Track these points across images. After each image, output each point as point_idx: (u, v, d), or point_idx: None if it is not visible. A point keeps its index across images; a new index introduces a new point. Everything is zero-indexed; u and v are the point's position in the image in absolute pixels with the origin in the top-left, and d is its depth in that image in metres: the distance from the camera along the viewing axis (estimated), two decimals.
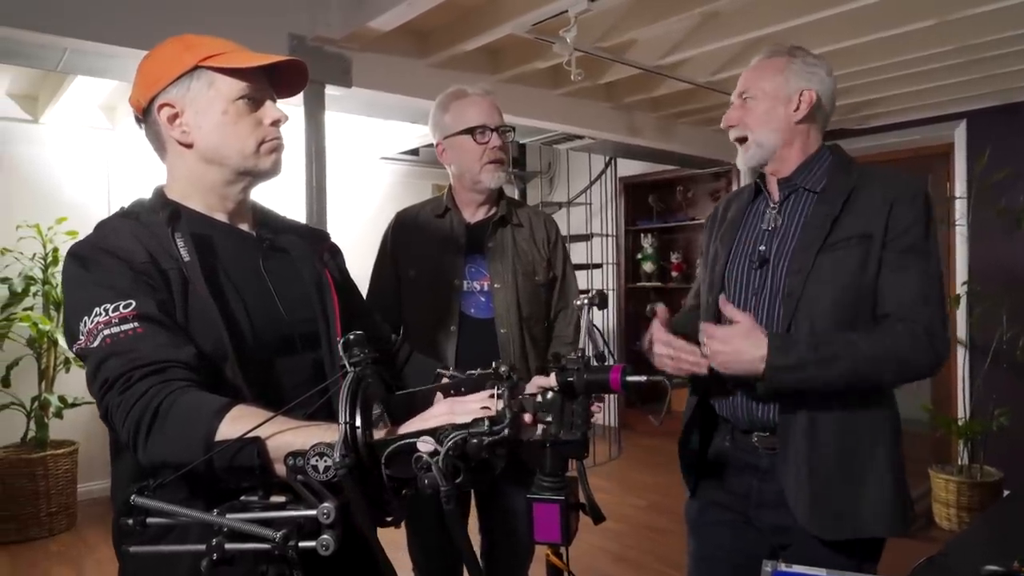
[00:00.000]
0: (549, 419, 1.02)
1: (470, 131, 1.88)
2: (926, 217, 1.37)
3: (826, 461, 1.35)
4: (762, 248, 1.47)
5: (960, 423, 3.79)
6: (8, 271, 3.80)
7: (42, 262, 3.85)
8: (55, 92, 3.68)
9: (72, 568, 3.36)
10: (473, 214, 1.97)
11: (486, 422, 0.75)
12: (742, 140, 1.50)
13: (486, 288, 1.91)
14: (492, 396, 0.82)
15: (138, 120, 1.13)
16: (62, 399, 3.74)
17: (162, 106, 1.07)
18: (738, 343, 1.30)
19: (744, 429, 1.46)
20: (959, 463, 3.74)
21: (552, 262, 2.01)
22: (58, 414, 3.75)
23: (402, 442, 0.76)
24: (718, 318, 1.50)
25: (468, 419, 0.78)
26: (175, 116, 1.07)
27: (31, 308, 3.78)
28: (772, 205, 1.51)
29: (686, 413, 1.58)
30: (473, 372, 1.23)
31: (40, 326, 3.67)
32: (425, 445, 0.74)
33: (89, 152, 4.26)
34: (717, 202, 1.76)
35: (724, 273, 1.53)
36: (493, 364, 0.89)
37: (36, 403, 3.78)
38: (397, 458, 0.76)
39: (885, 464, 1.37)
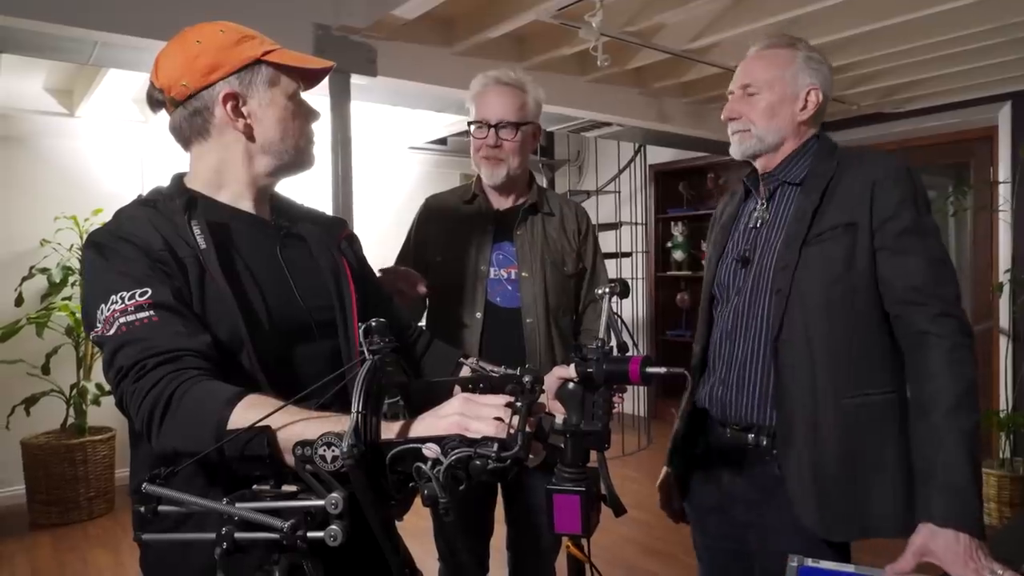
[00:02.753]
0: (562, 446, 1.00)
1: (471, 124, 1.87)
2: (914, 194, 1.32)
3: (831, 464, 1.32)
4: (746, 247, 1.46)
5: (1002, 415, 3.68)
6: (47, 262, 3.89)
7: (79, 252, 3.94)
8: (89, 86, 3.74)
9: (110, 551, 3.45)
10: (501, 201, 1.93)
11: (495, 445, 0.72)
12: (741, 131, 1.45)
13: (513, 276, 1.87)
14: (508, 405, 0.79)
15: (160, 102, 1.12)
16: (99, 386, 3.84)
17: (227, 95, 1.07)
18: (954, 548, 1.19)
19: (735, 426, 1.45)
20: (1000, 456, 3.64)
21: (582, 254, 1.97)
22: (96, 401, 3.85)
23: (408, 446, 0.75)
24: (710, 324, 1.51)
25: (479, 429, 0.76)
26: (237, 103, 1.08)
27: (69, 298, 3.87)
28: (760, 202, 1.48)
29: (683, 407, 1.59)
30: (497, 370, 1.21)
31: (78, 315, 3.76)
32: (429, 453, 0.73)
33: (123, 144, 4.34)
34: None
35: (714, 277, 1.52)
36: (519, 370, 0.86)
37: (75, 390, 3.88)
38: (402, 461, 0.75)
39: (895, 464, 1.32)
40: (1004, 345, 3.89)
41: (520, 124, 1.83)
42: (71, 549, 3.48)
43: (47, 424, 3.90)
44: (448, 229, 1.92)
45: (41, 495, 3.75)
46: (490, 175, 1.86)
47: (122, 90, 3.93)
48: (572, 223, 1.96)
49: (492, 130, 1.82)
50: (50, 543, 3.55)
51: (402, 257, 2.02)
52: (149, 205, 1.07)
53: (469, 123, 1.87)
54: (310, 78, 1.17)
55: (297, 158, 1.14)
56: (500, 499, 1.99)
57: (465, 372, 1.31)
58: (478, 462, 0.71)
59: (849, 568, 1.12)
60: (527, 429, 0.75)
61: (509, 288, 1.87)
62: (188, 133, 1.12)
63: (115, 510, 3.94)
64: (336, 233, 1.26)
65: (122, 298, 0.93)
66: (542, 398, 0.95)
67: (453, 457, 0.71)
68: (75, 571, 3.24)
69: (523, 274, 1.86)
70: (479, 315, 1.84)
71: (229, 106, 1.07)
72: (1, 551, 3.46)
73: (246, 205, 1.14)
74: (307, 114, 1.15)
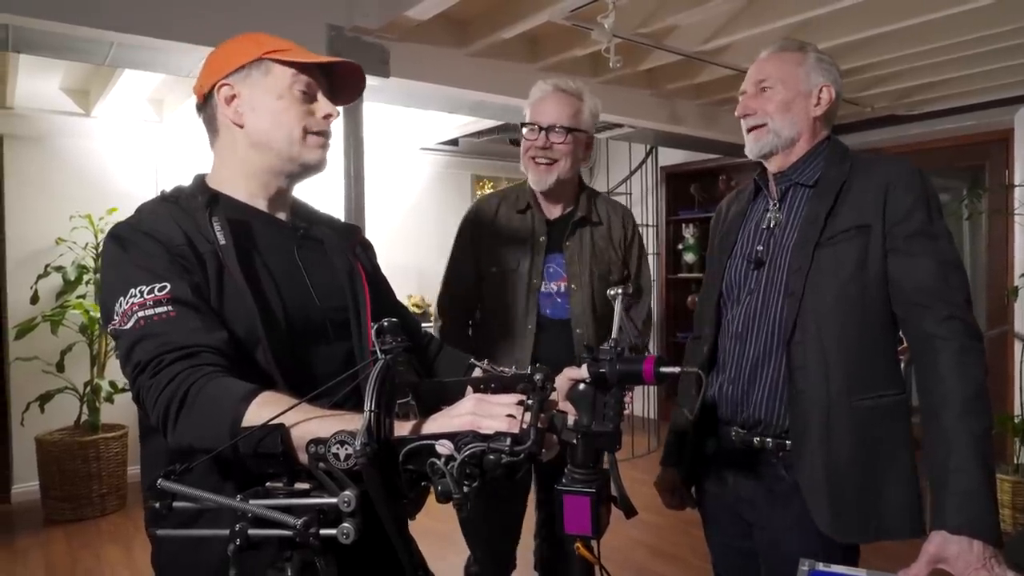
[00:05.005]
0: (574, 441, 1.00)
1: (523, 127, 1.87)
2: (926, 198, 1.32)
3: (844, 466, 1.32)
4: (759, 248, 1.45)
5: (1016, 420, 3.64)
6: (62, 260, 3.93)
7: (94, 251, 3.97)
8: (105, 86, 3.78)
9: (122, 547, 3.48)
10: (552, 210, 1.94)
11: (508, 440, 0.72)
12: (757, 127, 1.46)
13: (563, 289, 1.90)
14: (520, 403, 0.79)
15: (198, 108, 1.17)
16: (113, 384, 3.87)
17: (222, 86, 1.11)
18: (967, 557, 1.17)
19: (741, 425, 1.45)
20: (1015, 462, 3.60)
21: (627, 261, 2.00)
22: (109, 399, 3.89)
23: (421, 442, 0.76)
24: (717, 325, 1.51)
25: (492, 426, 0.76)
26: (232, 97, 1.11)
27: (84, 296, 3.91)
28: (773, 203, 1.48)
29: (689, 402, 1.59)
30: (506, 370, 1.22)
31: (92, 313, 3.79)
32: (443, 449, 0.73)
33: (138, 144, 4.37)
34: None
35: (723, 275, 1.51)
36: (530, 368, 0.87)
37: (88, 388, 3.91)
38: (416, 458, 0.76)
39: (906, 466, 1.33)
40: (1019, 350, 3.85)
41: (572, 129, 1.84)
42: (84, 545, 3.50)
43: (61, 421, 3.94)
44: (501, 239, 1.94)
45: (55, 491, 3.78)
46: (538, 180, 1.87)
47: (138, 90, 3.96)
48: (619, 231, 1.98)
49: (543, 132, 1.83)
50: (64, 539, 3.58)
51: (457, 260, 2.00)
52: (171, 201, 1.08)
53: (521, 125, 1.88)
54: (344, 92, 1.18)
55: (294, 151, 1.12)
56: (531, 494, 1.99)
57: (476, 374, 1.32)
58: (491, 457, 0.72)
59: (861, 572, 1.11)
60: (539, 424, 0.75)
61: (559, 300, 1.90)
62: (208, 133, 1.16)
63: (127, 506, 3.97)
64: (351, 238, 1.27)
65: (140, 292, 0.94)
66: (554, 396, 0.95)
67: (466, 453, 0.71)
68: (88, 567, 3.27)
69: (572, 286, 1.89)
70: (531, 327, 1.87)
71: (223, 98, 1.10)
72: (16, 546, 3.50)
73: (260, 204, 1.15)
74: (312, 109, 1.13)
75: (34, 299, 3.83)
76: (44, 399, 3.76)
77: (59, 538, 3.58)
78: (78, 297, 3.89)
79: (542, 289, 1.88)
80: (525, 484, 1.96)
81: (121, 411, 3.99)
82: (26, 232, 4.06)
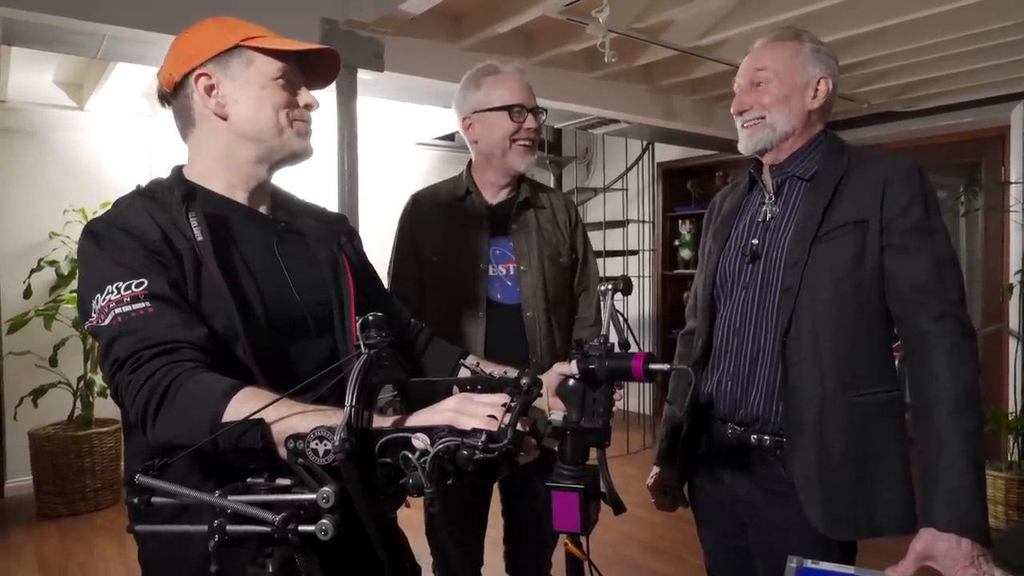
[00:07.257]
0: (556, 448, 0.99)
1: (507, 109, 1.80)
2: (923, 194, 1.31)
3: (837, 462, 1.31)
4: (755, 242, 1.43)
5: (1011, 417, 3.64)
6: (55, 254, 3.92)
7: None
8: (99, 80, 3.76)
9: (115, 541, 3.48)
10: (494, 195, 1.91)
11: (483, 436, 0.72)
12: (753, 123, 1.44)
13: (512, 272, 1.86)
14: (504, 405, 0.78)
15: (163, 97, 1.14)
16: (106, 379, 3.85)
17: (200, 76, 1.07)
18: (955, 555, 1.17)
19: (739, 423, 1.44)
20: (1009, 459, 3.60)
21: (575, 244, 1.96)
22: (102, 393, 3.87)
23: (398, 435, 0.75)
24: (712, 318, 1.49)
25: (471, 424, 0.76)
26: (212, 88, 1.08)
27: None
28: (769, 196, 1.46)
29: (681, 399, 1.59)
30: (495, 373, 1.21)
31: None
32: (418, 442, 0.73)
33: (132, 138, 4.35)
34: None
35: (716, 269, 1.50)
36: (519, 372, 0.86)
37: (82, 382, 3.91)
38: (391, 450, 0.75)
39: (899, 463, 1.32)
40: (1014, 347, 3.86)
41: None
42: (78, 539, 3.50)
43: (54, 416, 3.93)
44: (442, 227, 1.89)
45: (48, 486, 3.78)
46: (522, 162, 1.84)
47: (131, 84, 3.94)
48: (563, 214, 1.96)
49: (531, 115, 1.81)
50: (57, 533, 3.57)
51: (401, 258, 1.96)
52: (147, 195, 1.06)
53: (502, 107, 1.80)
54: (317, 77, 1.16)
55: (281, 140, 1.10)
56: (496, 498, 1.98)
57: (464, 373, 1.30)
58: (465, 452, 0.71)
59: (849, 570, 1.11)
60: (520, 427, 0.75)
61: (508, 284, 1.86)
62: (181, 124, 1.14)
63: (121, 501, 3.96)
64: (336, 229, 1.25)
65: (117, 288, 0.93)
66: (539, 402, 0.94)
67: (440, 446, 0.71)
68: (81, 561, 3.27)
69: (522, 268, 1.85)
70: (482, 313, 1.83)
71: (202, 88, 1.08)
72: (9, 541, 3.49)
73: (240, 197, 1.13)
74: (292, 97, 1.11)
75: (27, 293, 3.82)
76: (37, 394, 3.75)
77: (52, 533, 3.58)
78: (71, 291, 3.87)
79: (490, 273, 1.84)
80: (486, 491, 1.94)
81: (114, 406, 3.94)
82: (19, 226, 4.05)
